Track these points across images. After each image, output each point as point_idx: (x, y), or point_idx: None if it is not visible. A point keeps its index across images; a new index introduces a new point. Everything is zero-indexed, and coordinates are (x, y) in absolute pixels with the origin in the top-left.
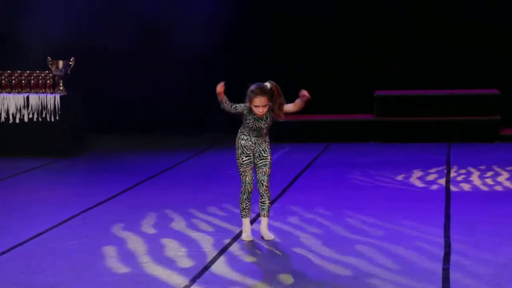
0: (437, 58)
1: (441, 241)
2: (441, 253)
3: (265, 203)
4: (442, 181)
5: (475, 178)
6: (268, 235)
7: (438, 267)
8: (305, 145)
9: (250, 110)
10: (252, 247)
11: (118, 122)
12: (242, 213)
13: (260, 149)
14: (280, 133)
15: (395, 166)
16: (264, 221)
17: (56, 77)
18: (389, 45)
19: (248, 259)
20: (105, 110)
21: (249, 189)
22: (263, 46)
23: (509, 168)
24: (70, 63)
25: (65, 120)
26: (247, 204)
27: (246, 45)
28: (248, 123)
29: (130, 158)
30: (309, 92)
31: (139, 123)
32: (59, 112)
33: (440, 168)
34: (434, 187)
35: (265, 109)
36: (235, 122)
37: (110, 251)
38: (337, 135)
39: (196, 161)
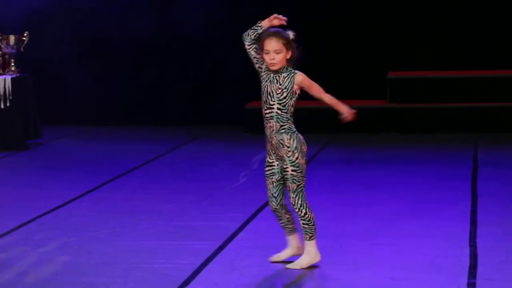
0: (463, 31)
1: (466, 250)
2: (466, 265)
3: (301, 223)
4: (467, 180)
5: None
6: (294, 262)
7: (462, 282)
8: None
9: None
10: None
11: (80, 111)
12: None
13: (281, 155)
14: None
15: (410, 163)
16: (306, 245)
17: (7, 56)
18: (405, 16)
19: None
20: (63, 96)
21: (270, 207)
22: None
23: None
24: (24, 38)
25: (17, 107)
26: (279, 221)
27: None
28: (261, 92)
29: (94, 153)
30: (307, 71)
31: (105, 112)
32: (10, 98)
33: (464, 163)
34: (457, 187)
35: (278, 58)
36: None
37: (70, 263)
38: (341, 126)
39: (174, 156)
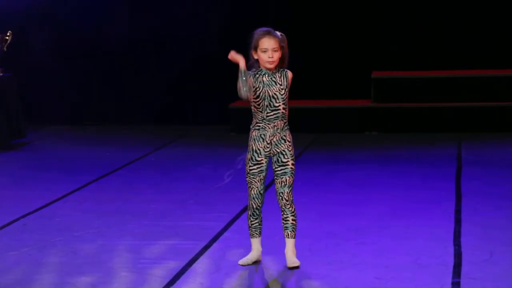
0: (451, 30)
1: (451, 250)
2: (450, 264)
3: (288, 221)
4: (451, 180)
5: (488, 175)
6: (292, 261)
7: (447, 281)
8: None
9: (256, 73)
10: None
11: (64, 111)
12: (249, 231)
13: (279, 151)
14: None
15: (394, 162)
16: (288, 243)
17: None
18: (390, 15)
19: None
20: (48, 96)
21: (253, 205)
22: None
23: None
24: (7, 38)
25: (1, 107)
26: (252, 222)
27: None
28: (257, 100)
29: (78, 153)
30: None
31: (90, 112)
32: None
33: (448, 163)
34: (441, 186)
35: (276, 56)
36: (210, 109)
37: (55, 264)
38: (325, 125)
39: (159, 155)
